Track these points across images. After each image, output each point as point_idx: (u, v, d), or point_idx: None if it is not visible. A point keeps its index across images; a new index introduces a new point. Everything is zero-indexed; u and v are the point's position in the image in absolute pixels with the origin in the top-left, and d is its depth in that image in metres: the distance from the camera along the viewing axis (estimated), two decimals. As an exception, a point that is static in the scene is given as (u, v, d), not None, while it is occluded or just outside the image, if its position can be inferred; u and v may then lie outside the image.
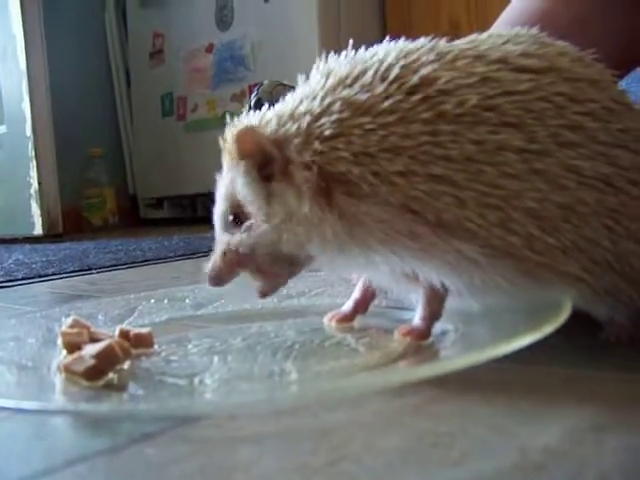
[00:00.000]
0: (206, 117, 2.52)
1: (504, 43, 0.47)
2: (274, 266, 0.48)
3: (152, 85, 2.77)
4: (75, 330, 0.50)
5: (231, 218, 0.48)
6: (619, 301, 0.47)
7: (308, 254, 0.47)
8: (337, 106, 0.44)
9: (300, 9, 2.19)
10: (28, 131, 2.26)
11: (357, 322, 0.54)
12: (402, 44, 0.47)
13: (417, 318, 0.49)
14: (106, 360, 0.44)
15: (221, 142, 0.49)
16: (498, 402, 0.39)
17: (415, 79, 0.43)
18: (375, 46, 0.48)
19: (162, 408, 0.37)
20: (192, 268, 0.51)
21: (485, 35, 0.48)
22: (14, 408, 0.37)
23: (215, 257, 0.49)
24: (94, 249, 1.68)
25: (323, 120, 0.44)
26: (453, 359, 0.37)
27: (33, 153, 2.25)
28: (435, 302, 0.48)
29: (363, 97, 0.44)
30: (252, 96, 1.40)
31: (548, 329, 0.40)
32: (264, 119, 0.47)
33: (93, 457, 0.35)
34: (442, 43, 0.47)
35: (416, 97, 0.43)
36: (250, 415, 0.38)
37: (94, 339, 0.50)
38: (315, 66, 0.48)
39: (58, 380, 0.44)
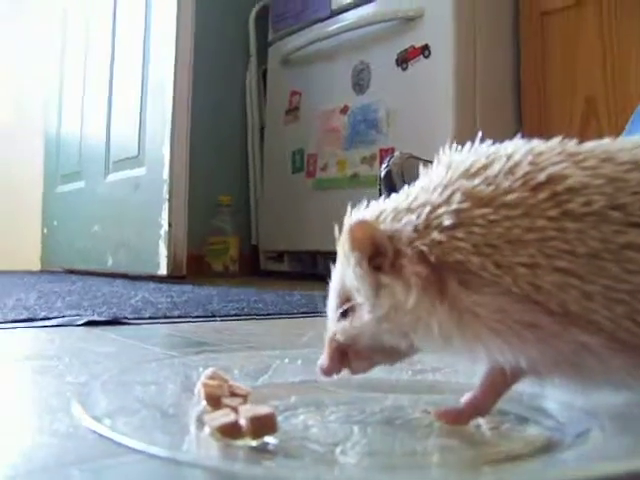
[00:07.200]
0: (335, 177, 2.55)
1: (636, 147, 0.46)
2: (374, 356, 0.50)
3: (285, 141, 2.85)
4: (215, 382, 0.51)
5: (340, 310, 0.50)
6: None
7: (412, 345, 0.47)
8: (457, 197, 0.44)
9: (437, 81, 2.21)
10: (165, 175, 2.35)
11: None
12: (532, 142, 0.47)
13: (463, 401, 0.49)
14: (259, 426, 0.43)
15: (336, 234, 0.50)
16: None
17: (542, 177, 0.43)
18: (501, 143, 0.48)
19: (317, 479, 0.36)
20: (315, 327, 0.51)
21: (618, 140, 0.48)
22: (153, 454, 0.38)
23: (325, 349, 0.51)
24: (216, 295, 1.71)
25: (441, 210, 0.44)
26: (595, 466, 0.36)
27: (167, 196, 2.34)
28: (491, 396, 0.48)
29: (486, 189, 0.44)
30: (382, 167, 1.42)
31: None
32: (381, 211, 0.48)
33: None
34: (571, 144, 0.47)
35: (542, 194, 0.43)
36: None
37: (233, 393, 0.51)
38: (437, 158, 0.49)
39: (198, 431, 0.45)
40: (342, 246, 0.49)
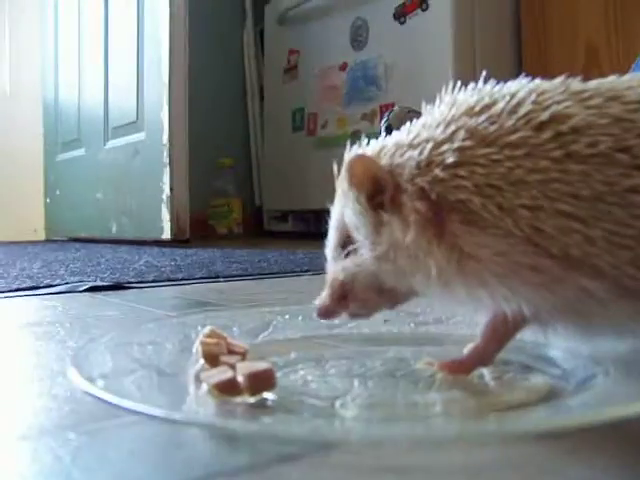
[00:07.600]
0: (336, 134, 2.53)
1: None
2: (373, 297, 0.48)
3: (284, 100, 2.82)
4: (214, 340, 0.50)
5: (340, 249, 0.49)
6: None
7: (411, 288, 0.46)
8: (461, 134, 0.43)
9: (435, 34, 2.17)
10: (165, 139, 2.34)
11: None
12: (535, 81, 0.46)
13: (465, 351, 0.48)
14: (257, 382, 0.42)
15: (335, 169, 0.49)
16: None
17: (545, 115, 0.42)
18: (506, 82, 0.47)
19: (314, 433, 0.35)
20: (319, 285, 0.51)
21: (625, 77, 0.46)
22: (150, 415, 0.37)
23: (325, 289, 0.50)
24: (220, 257, 1.71)
25: (445, 147, 0.43)
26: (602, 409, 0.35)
27: (167, 160, 2.32)
28: (494, 346, 0.48)
29: (489, 128, 0.43)
30: (382, 122, 1.40)
31: None
32: (383, 147, 0.47)
33: (233, 474, 0.34)
34: (576, 83, 0.45)
35: (546, 134, 0.41)
36: (392, 446, 0.37)
37: (231, 351, 0.50)
38: (439, 96, 0.48)
39: (196, 390, 0.44)
40: (341, 183, 0.48)
